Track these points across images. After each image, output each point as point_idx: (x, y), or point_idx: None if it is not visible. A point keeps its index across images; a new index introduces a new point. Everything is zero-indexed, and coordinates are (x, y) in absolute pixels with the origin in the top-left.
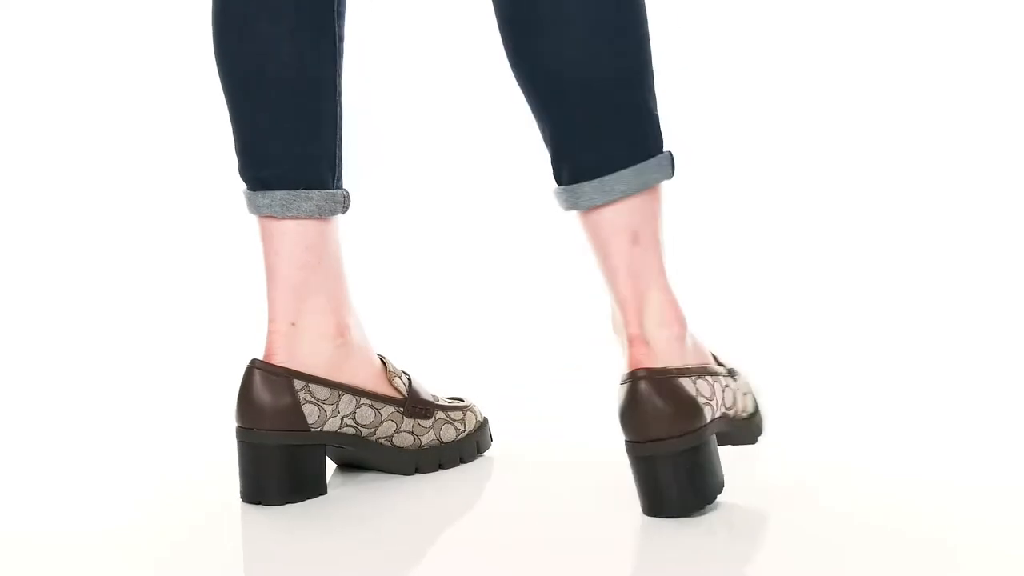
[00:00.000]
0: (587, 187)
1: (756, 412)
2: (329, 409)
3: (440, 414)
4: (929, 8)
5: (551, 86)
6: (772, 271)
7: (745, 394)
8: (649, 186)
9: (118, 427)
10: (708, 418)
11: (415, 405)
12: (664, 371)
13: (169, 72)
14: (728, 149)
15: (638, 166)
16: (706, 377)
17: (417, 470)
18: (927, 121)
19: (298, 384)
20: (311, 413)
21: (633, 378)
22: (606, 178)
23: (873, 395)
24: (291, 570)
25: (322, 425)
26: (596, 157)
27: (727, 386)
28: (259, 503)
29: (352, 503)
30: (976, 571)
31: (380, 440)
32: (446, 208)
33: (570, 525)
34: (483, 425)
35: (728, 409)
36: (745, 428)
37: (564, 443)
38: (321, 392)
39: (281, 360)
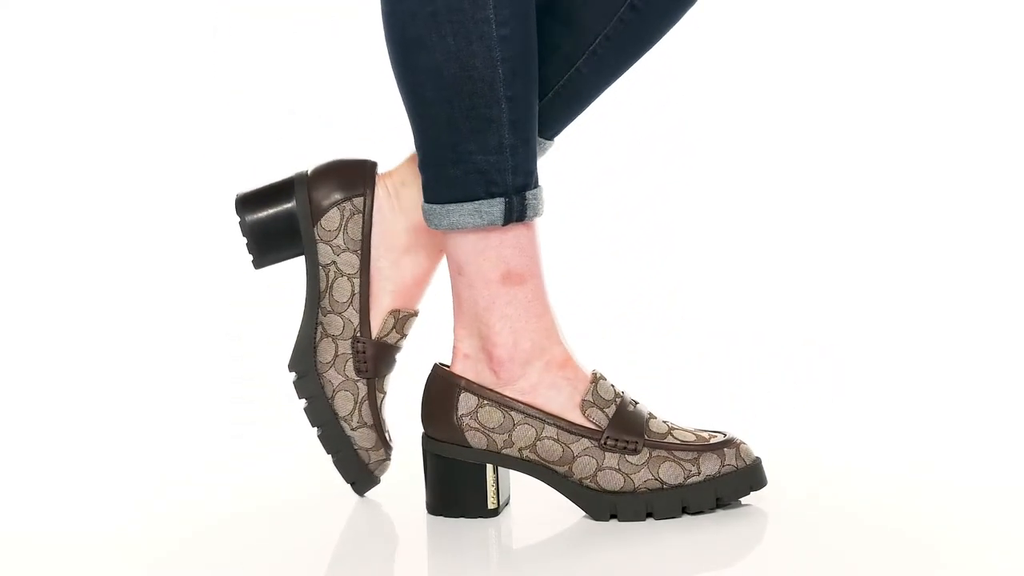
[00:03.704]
0: (424, 208)
1: (616, 493)
2: None
3: None
4: (929, 8)
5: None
6: (772, 271)
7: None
8: (460, 227)
9: (118, 427)
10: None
11: None
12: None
13: (172, 72)
14: (726, 150)
15: (448, 205)
16: (511, 412)
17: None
18: (927, 122)
19: None
20: None
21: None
22: (433, 207)
23: (872, 395)
24: (291, 570)
25: None
26: (426, 185)
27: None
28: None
29: (352, 503)
30: (976, 571)
31: None
32: None
33: (570, 524)
34: None
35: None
36: (585, 495)
37: None
38: None
39: None
